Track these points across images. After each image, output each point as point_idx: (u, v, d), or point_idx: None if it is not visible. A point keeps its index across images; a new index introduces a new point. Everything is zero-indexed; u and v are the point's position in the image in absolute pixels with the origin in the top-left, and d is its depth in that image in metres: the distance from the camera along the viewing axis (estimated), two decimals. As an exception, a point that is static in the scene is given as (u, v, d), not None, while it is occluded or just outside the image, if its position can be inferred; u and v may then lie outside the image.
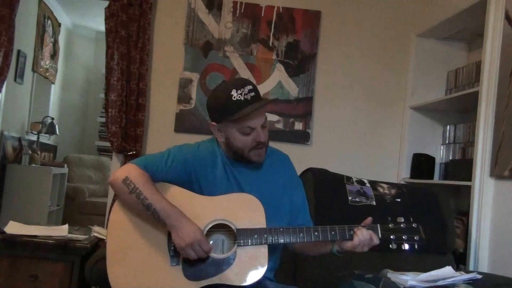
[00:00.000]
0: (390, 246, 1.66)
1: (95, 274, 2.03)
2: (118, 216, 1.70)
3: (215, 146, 1.80)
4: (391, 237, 1.66)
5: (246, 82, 1.71)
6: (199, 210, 1.68)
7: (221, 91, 1.71)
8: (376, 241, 1.65)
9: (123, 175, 1.66)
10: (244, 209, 1.68)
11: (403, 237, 1.66)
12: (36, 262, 2.24)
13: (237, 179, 1.76)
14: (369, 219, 1.69)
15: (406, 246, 1.66)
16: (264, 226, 1.66)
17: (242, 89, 1.66)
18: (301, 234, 1.66)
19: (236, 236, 1.65)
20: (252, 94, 1.67)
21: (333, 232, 1.66)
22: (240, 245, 1.64)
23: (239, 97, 1.65)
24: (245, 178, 1.77)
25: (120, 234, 1.68)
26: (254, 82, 3.35)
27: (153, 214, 1.62)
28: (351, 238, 1.65)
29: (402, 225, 1.68)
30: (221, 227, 1.68)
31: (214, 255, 1.65)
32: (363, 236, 1.63)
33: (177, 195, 1.70)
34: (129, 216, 1.69)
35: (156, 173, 1.70)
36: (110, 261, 1.66)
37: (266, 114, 1.76)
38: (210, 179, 1.74)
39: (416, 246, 1.66)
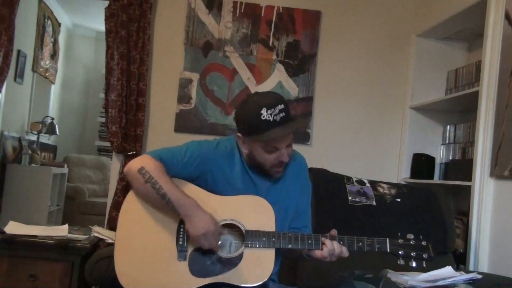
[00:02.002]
0: (398, 262, 1.66)
1: (95, 274, 2.02)
2: (130, 205, 1.71)
3: (234, 145, 1.80)
4: (400, 252, 1.66)
5: (278, 100, 1.67)
6: (209, 208, 1.68)
7: (252, 107, 1.66)
8: (345, 253, 1.66)
9: (138, 165, 1.66)
10: (254, 212, 1.69)
11: (412, 254, 1.66)
12: (36, 262, 2.24)
13: (252, 182, 1.78)
14: (333, 231, 1.69)
15: (414, 264, 1.65)
16: (273, 230, 1.67)
17: (272, 109, 1.63)
18: (310, 241, 1.67)
19: (245, 237, 1.66)
20: (282, 114, 1.64)
21: (340, 243, 1.67)
22: (248, 246, 1.65)
23: (268, 117, 1.62)
24: (259, 182, 1.78)
25: (131, 224, 1.69)
26: (254, 82, 3.37)
27: (167, 203, 1.63)
28: (361, 250, 1.66)
29: (411, 242, 1.67)
30: (230, 227, 1.69)
31: (221, 254, 1.66)
32: (332, 246, 1.64)
33: (189, 192, 1.70)
34: (141, 207, 1.70)
35: (171, 167, 1.70)
36: (118, 249, 1.67)
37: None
38: (226, 177, 1.75)
39: (424, 264, 1.65)
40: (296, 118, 1.76)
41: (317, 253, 1.67)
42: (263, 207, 1.70)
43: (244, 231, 1.67)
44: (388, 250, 1.66)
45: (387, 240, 1.67)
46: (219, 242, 1.67)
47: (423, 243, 1.67)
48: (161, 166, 1.68)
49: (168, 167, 1.70)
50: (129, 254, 1.66)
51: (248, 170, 1.78)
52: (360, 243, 1.67)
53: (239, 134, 1.75)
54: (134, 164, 1.68)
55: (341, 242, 1.67)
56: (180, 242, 1.66)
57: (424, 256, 1.65)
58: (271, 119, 1.62)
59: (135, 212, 1.70)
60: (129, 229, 1.69)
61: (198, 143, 1.78)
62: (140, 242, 1.67)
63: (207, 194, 1.72)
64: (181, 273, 1.63)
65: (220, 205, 1.70)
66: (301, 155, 1.94)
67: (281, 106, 1.65)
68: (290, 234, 1.67)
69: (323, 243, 1.66)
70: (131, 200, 1.72)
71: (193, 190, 1.71)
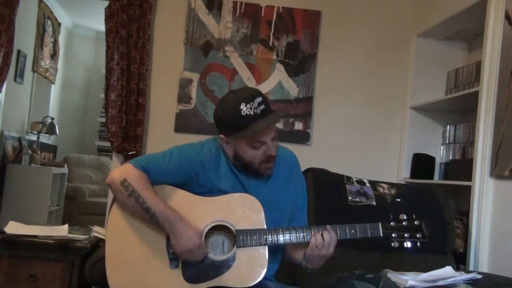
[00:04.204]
0: (392, 244, 1.65)
1: (95, 274, 2.02)
2: (117, 217, 1.69)
3: (219, 146, 1.77)
4: (393, 235, 1.65)
5: (255, 94, 1.64)
6: (198, 211, 1.67)
7: (230, 104, 1.64)
8: (334, 238, 1.61)
9: (121, 177, 1.63)
10: (243, 210, 1.67)
11: (405, 235, 1.65)
12: (36, 262, 2.24)
13: (241, 183, 1.74)
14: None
15: (408, 244, 1.64)
16: (264, 226, 1.66)
17: (251, 103, 1.60)
18: (301, 235, 1.65)
19: (236, 237, 1.64)
20: (262, 107, 1.61)
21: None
22: (240, 246, 1.63)
23: (248, 111, 1.59)
24: (248, 182, 1.74)
25: (119, 236, 1.67)
26: (254, 82, 3.37)
27: (151, 217, 1.61)
28: (354, 237, 1.65)
29: (404, 223, 1.66)
30: (220, 228, 1.67)
31: (214, 256, 1.64)
32: (320, 239, 1.61)
33: (176, 197, 1.68)
34: (128, 217, 1.68)
35: (156, 176, 1.67)
36: (109, 263, 1.65)
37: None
38: (213, 180, 1.72)
39: (418, 244, 1.65)
40: (276, 111, 1.70)
41: (307, 250, 1.64)
42: (251, 204, 1.67)
43: (234, 231, 1.65)
44: (381, 234, 1.65)
45: (379, 224, 1.66)
46: (210, 243, 1.66)
47: (416, 222, 1.66)
48: (144, 177, 1.64)
49: (152, 176, 1.66)
50: (121, 268, 1.64)
51: (234, 170, 1.74)
52: (353, 230, 1.65)
53: (221, 136, 1.71)
54: (117, 175, 1.64)
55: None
56: (171, 250, 1.64)
57: (417, 236, 1.65)
58: (252, 113, 1.59)
59: (122, 224, 1.68)
60: (118, 242, 1.67)
61: (182, 148, 1.74)
62: (131, 254, 1.65)
63: (194, 198, 1.69)
64: (176, 281, 1.62)
65: (208, 206, 1.68)
66: (291, 151, 1.89)
67: (260, 99, 1.62)
68: (281, 229, 1.65)
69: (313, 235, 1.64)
70: (116, 212, 1.69)
71: (180, 195, 1.69)
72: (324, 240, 1.61)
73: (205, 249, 1.62)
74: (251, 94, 1.63)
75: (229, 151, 1.72)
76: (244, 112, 1.59)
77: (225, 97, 1.70)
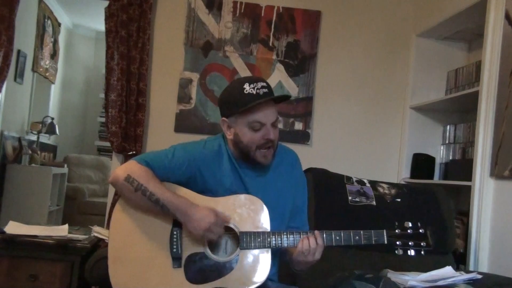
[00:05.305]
0: (396, 252, 1.65)
1: (95, 274, 2.03)
2: (120, 215, 1.70)
3: (222, 143, 1.78)
4: (397, 243, 1.65)
5: (260, 78, 1.72)
6: None
7: (234, 85, 1.72)
8: (319, 242, 1.62)
9: (124, 174, 1.64)
10: (248, 212, 1.67)
11: (410, 243, 1.65)
12: (36, 262, 2.24)
13: (243, 180, 1.74)
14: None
15: (412, 252, 1.64)
16: (268, 229, 1.66)
17: (255, 84, 1.66)
18: None
19: (239, 239, 1.64)
20: (265, 90, 1.66)
21: (337, 238, 1.65)
22: (243, 248, 1.63)
23: (251, 90, 1.64)
24: (250, 180, 1.75)
25: (122, 234, 1.68)
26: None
27: (162, 208, 1.61)
28: (358, 243, 1.65)
29: (409, 231, 1.66)
30: (225, 230, 1.67)
31: (217, 258, 1.64)
32: (302, 247, 1.61)
33: (181, 195, 1.68)
34: (131, 216, 1.68)
35: (160, 172, 1.68)
36: (112, 262, 1.65)
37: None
38: (216, 176, 1.73)
39: (422, 252, 1.65)
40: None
41: (294, 256, 1.64)
42: (256, 206, 1.67)
43: (238, 233, 1.65)
44: (386, 241, 1.65)
45: (384, 231, 1.66)
46: (214, 245, 1.65)
47: (420, 230, 1.66)
48: (148, 171, 1.65)
49: (156, 172, 1.67)
50: (124, 266, 1.64)
51: (237, 167, 1.75)
52: (357, 237, 1.65)
53: (223, 118, 1.75)
54: (120, 172, 1.65)
55: (338, 238, 1.65)
56: (174, 249, 1.64)
57: (422, 244, 1.65)
58: (254, 92, 1.64)
59: (126, 222, 1.68)
60: (121, 240, 1.67)
61: (184, 145, 1.76)
62: (133, 252, 1.65)
63: (198, 197, 1.69)
64: (178, 280, 1.62)
65: (213, 207, 1.67)
66: (292, 150, 1.91)
67: (263, 83, 1.68)
68: (285, 233, 1.65)
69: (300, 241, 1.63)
70: (120, 210, 1.70)
71: (184, 193, 1.69)
72: (310, 246, 1.61)
73: (223, 219, 1.62)
74: (256, 78, 1.72)
75: (229, 136, 1.74)
76: (247, 90, 1.65)
77: (231, 82, 1.79)
